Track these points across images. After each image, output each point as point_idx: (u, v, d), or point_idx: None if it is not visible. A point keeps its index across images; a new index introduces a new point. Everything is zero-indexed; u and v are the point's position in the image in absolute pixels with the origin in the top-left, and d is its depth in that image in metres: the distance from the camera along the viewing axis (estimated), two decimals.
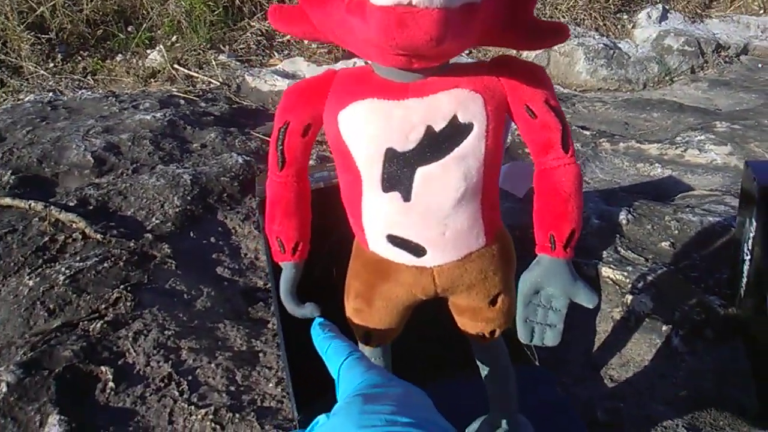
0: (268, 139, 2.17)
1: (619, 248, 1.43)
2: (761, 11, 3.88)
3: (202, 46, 2.92)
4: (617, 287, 1.30)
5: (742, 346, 1.13)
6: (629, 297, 1.25)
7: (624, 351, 1.16)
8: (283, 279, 0.74)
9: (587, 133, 2.34)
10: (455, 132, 0.62)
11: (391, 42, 0.51)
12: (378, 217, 0.68)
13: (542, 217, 0.66)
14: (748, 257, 1.10)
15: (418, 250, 0.68)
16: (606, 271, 1.33)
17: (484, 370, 0.83)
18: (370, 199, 0.67)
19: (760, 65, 3.31)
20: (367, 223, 0.69)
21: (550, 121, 0.64)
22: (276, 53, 3.05)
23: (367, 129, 0.63)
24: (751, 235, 1.08)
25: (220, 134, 2.14)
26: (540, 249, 0.66)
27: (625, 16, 3.52)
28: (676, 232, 1.47)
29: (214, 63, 2.83)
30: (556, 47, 3.18)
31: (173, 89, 2.62)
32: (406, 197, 0.64)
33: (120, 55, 2.90)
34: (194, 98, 2.55)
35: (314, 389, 1.02)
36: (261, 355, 1.17)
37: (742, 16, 3.76)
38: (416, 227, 0.66)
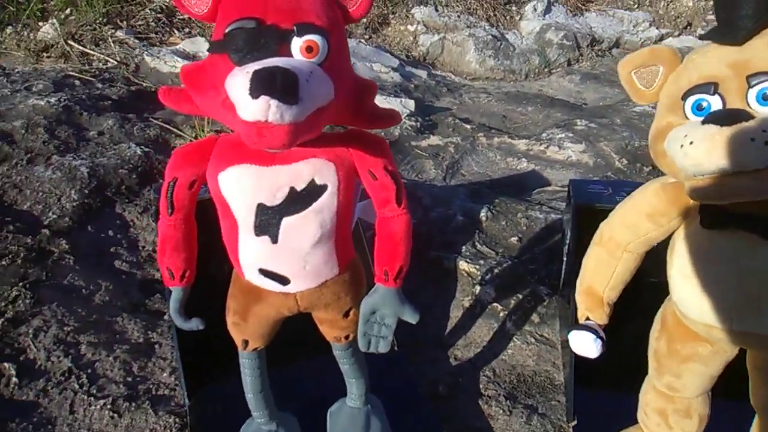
0: (167, 126, 2.25)
1: (476, 243, 1.67)
2: (635, 6, 4.26)
3: (97, 20, 2.88)
4: (470, 278, 1.54)
5: (557, 328, 1.41)
6: (478, 287, 1.50)
7: (469, 334, 1.41)
8: (172, 300, 0.89)
9: (468, 126, 2.58)
10: (313, 191, 0.80)
11: (253, 145, 0.67)
12: (251, 255, 0.85)
13: (379, 256, 0.86)
14: (566, 258, 1.36)
15: (283, 280, 0.85)
16: (462, 264, 1.57)
17: (342, 365, 1.03)
18: (245, 241, 0.84)
19: None
20: (242, 259, 0.86)
21: (388, 183, 0.83)
22: (176, 31, 3.05)
23: (242, 188, 0.80)
24: (567, 241, 1.34)
25: (118, 121, 2.19)
26: (377, 280, 0.87)
27: (514, 8, 3.77)
28: (525, 228, 1.74)
29: (110, 40, 2.81)
30: (449, 36, 3.39)
31: (68, 68, 2.59)
32: (274, 240, 0.82)
33: (10, 27, 2.81)
34: (90, 78, 2.54)
35: (204, 377, 1.20)
36: (157, 346, 1.31)
37: (617, 10, 4.12)
38: (282, 263, 0.84)
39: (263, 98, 0.62)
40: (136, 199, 1.82)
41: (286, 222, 0.80)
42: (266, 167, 0.78)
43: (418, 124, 2.55)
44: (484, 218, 1.77)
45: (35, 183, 1.75)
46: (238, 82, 0.65)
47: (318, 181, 0.80)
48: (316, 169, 0.79)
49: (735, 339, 0.84)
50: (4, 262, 1.43)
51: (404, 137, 2.44)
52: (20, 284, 1.39)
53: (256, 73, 0.63)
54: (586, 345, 0.94)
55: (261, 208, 0.80)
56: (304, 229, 0.81)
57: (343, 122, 0.82)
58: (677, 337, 0.91)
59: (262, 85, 0.62)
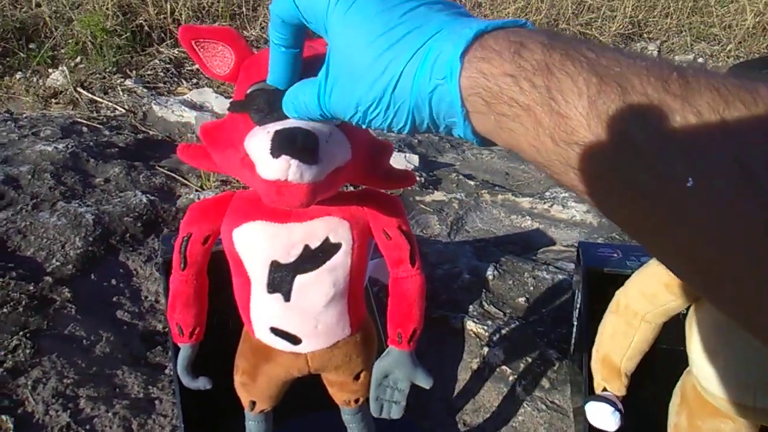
0: (173, 175, 2.26)
1: (483, 302, 1.66)
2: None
3: (107, 69, 2.93)
4: (478, 339, 1.51)
5: (569, 394, 1.37)
6: (486, 349, 1.47)
7: (477, 398, 1.37)
8: (181, 357, 0.87)
9: (472, 183, 2.59)
10: (327, 249, 0.79)
11: (271, 203, 0.67)
12: (263, 313, 0.83)
13: (392, 317, 0.84)
14: (576, 323, 1.35)
15: (295, 340, 0.84)
16: (470, 325, 1.55)
17: (351, 430, 1.00)
18: (257, 298, 0.82)
19: None
20: (253, 317, 0.84)
21: (402, 243, 0.82)
22: (184, 81, 3.11)
23: (256, 245, 0.79)
24: (578, 305, 1.32)
25: (125, 168, 2.19)
26: (390, 342, 0.85)
27: None
28: (532, 288, 1.72)
29: (119, 88, 2.85)
30: None
31: (76, 115, 2.62)
32: (287, 298, 0.80)
33: (20, 72, 2.86)
34: (98, 126, 2.57)
35: None
36: (157, 402, 1.28)
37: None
38: (294, 322, 0.82)
39: (284, 158, 0.62)
40: (140, 248, 1.81)
41: (300, 280, 0.79)
42: (281, 224, 0.78)
43: (422, 179, 2.56)
44: (490, 277, 1.75)
45: (40, 229, 1.74)
46: (259, 141, 0.65)
47: (332, 239, 0.79)
48: (330, 227, 0.79)
49: (757, 416, 0.82)
50: (5, 310, 1.41)
51: (408, 192, 2.44)
52: (20, 333, 1.36)
53: (277, 133, 0.63)
54: (603, 418, 0.92)
55: (275, 266, 0.79)
56: (317, 288, 0.80)
57: (358, 181, 0.82)
58: (698, 413, 0.88)
59: (283, 144, 0.62)
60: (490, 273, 1.76)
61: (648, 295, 0.89)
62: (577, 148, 0.29)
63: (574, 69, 0.29)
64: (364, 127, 0.40)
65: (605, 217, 0.31)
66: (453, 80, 0.33)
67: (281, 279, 0.79)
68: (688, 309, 0.89)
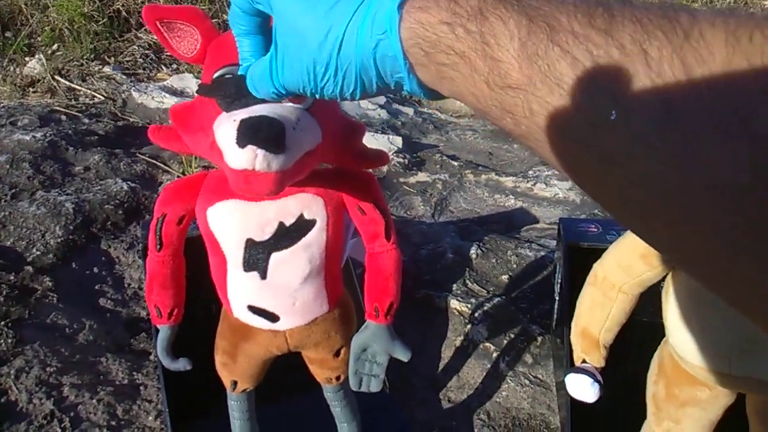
0: (154, 162, 2.24)
1: (467, 281, 1.66)
2: None
3: (85, 56, 2.88)
4: (462, 317, 1.52)
5: (551, 369, 1.39)
6: (469, 326, 1.48)
7: (461, 374, 1.38)
8: (160, 339, 0.87)
9: (455, 163, 2.59)
10: (302, 226, 0.79)
11: (239, 191, 0.66)
12: (240, 291, 0.83)
13: (369, 292, 0.85)
14: (558, 298, 1.36)
15: (272, 318, 0.84)
16: (454, 303, 1.56)
17: (333, 408, 1.00)
18: (234, 277, 0.82)
19: None
20: (231, 295, 0.84)
21: (376, 218, 0.82)
22: (164, 67, 3.07)
23: (231, 223, 0.78)
24: (558, 280, 1.33)
25: (105, 156, 2.17)
26: (368, 316, 0.85)
27: None
28: (515, 266, 1.73)
29: (97, 76, 2.81)
30: None
31: (54, 103, 2.59)
32: (263, 276, 0.80)
33: None
34: (77, 114, 2.53)
35: (191, 420, 1.16)
36: (142, 388, 1.27)
37: None
38: (271, 299, 0.82)
39: (250, 148, 0.61)
40: (122, 236, 1.79)
41: (275, 257, 0.79)
42: (255, 202, 0.77)
43: (406, 160, 2.56)
44: (474, 256, 1.76)
45: (19, 219, 1.72)
46: (225, 130, 0.64)
47: (307, 216, 0.79)
48: (304, 203, 0.78)
49: (733, 383, 0.83)
50: None
51: (392, 174, 2.44)
52: (2, 323, 1.35)
53: (243, 122, 0.62)
54: (583, 389, 0.93)
55: (250, 244, 0.79)
56: (293, 265, 0.80)
57: (330, 162, 0.81)
58: (675, 381, 0.89)
59: (248, 134, 0.61)
60: (473, 252, 1.77)
61: (624, 267, 0.89)
62: (510, 92, 0.29)
63: (506, 12, 0.29)
64: (318, 97, 0.40)
65: (549, 163, 0.31)
66: (393, 33, 0.32)
67: (257, 257, 0.79)
68: (664, 280, 0.90)
